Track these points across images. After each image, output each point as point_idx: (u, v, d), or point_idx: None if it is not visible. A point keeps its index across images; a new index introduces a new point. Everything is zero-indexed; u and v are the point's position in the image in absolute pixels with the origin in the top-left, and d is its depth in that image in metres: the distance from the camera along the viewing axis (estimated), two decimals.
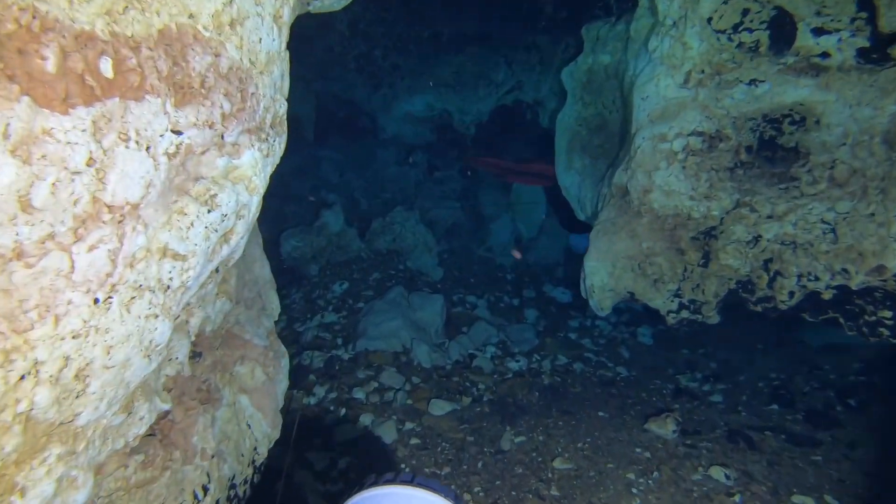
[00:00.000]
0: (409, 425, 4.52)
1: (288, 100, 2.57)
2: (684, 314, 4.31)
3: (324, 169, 10.55)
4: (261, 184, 2.38)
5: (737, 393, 5.46)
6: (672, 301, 4.30)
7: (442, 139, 10.67)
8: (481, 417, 4.66)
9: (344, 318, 6.37)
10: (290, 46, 2.58)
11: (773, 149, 4.10)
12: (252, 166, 2.29)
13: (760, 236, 3.89)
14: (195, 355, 2.75)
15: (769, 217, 3.89)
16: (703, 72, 4.15)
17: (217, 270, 2.43)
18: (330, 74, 10.21)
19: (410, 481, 0.96)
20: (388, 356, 5.46)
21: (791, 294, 3.76)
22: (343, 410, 4.63)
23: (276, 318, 3.64)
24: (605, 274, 4.51)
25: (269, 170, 2.48)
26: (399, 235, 8.08)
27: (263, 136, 2.36)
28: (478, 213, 9.40)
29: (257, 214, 2.42)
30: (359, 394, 4.89)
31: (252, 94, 2.18)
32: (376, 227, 8.13)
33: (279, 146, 2.55)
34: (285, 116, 2.60)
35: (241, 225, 2.31)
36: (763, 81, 4.01)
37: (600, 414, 4.69)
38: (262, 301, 3.49)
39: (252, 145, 2.28)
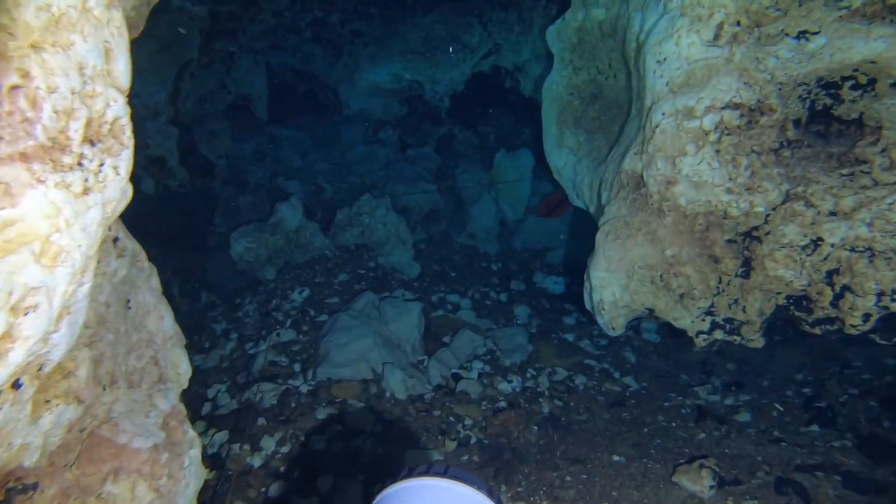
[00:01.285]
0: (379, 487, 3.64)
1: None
2: (718, 335, 3.42)
3: (284, 151, 9.46)
4: (75, 242, 1.41)
5: (766, 408, 4.65)
6: (703, 320, 3.40)
7: (413, 113, 9.61)
8: (469, 470, 3.79)
9: (304, 334, 5.43)
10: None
11: (827, 121, 3.18)
12: (47, 216, 1.31)
13: (822, 240, 2.98)
14: (23, 489, 1.80)
15: (832, 214, 2.98)
16: (738, 24, 3.18)
17: (18, 385, 1.48)
18: (283, 45, 9.05)
19: (444, 473, 0.94)
20: (354, 387, 4.54)
21: (866, 317, 2.88)
22: (297, 472, 3.72)
23: (185, 386, 2.69)
24: (617, 287, 3.60)
25: (97, 214, 1.50)
26: (368, 228, 7.09)
27: (68, 160, 1.37)
28: (457, 196, 8.42)
29: (90, 286, 1.45)
30: (318, 443, 3.99)
31: (14, 87, 1.20)
32: (342, 220, 7.13)
33: (116, 169, 1.57)
34: (127, 122, 1.60)
35: (39, 322, 1.35)
36: (817, 33, 3.06)
37: (615, 459, 3.84)
38: (161, 368, 2.53)
39: (41, 180, 1.30)
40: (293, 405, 4.41)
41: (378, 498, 0.95)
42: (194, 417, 4.44)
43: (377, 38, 8.70)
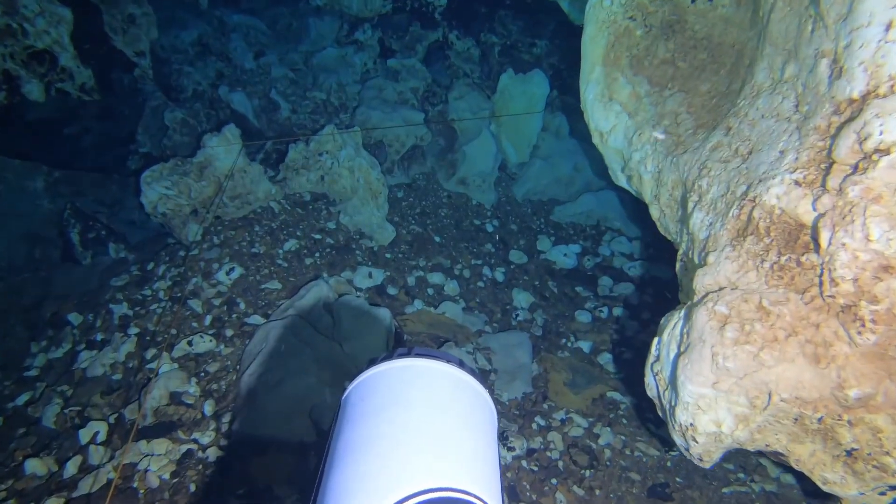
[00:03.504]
0: None
1: None
2: None
3: (234, 45, 7.38)
4: None
5: None
6: (883, 495, 1.94)
7: (400, 9, 7.51)
8: None
9: (226, 344, 3.89)
10: None
11: None
12: None
13: None
14: None
15: None
16: None
17: None
18: None
19: (408, 353, 0.91)
20: (285, 462, 3.09)
21: None
22: None
23: None
24: (728, 416, 2.08)
25: None
26: (330, 172, 5.35)
27: None
28: (448, 128, 6.61)
29: None
30: None
31: None
32: (295, 159, 5.36)
33: None
34: None
35: None
36: None
37: None
38: None
39: None
40: (189, 487, 2.96)
41: (346, 392, 0.91)
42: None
43: None
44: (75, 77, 5.56)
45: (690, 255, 2.65)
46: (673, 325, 2.41)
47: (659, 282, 5.82)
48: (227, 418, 3.36)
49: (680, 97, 3.30)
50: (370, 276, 4.81)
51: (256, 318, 4.05)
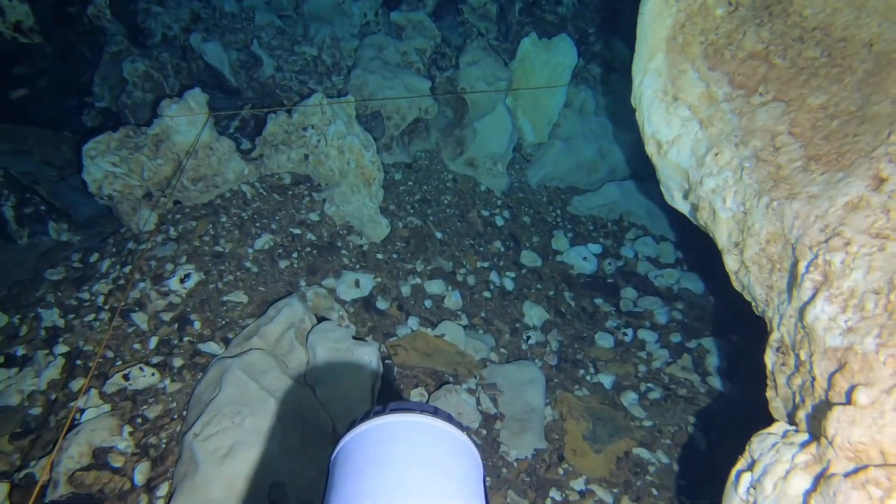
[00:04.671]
0: None
1: None
2: None
3: None
4: None
5: None
6: None
7: None
8: None
9: (174, 378, 3.13)
10: None
11: None
12: None
13: None
14: None
15: None
16: None
17: None
18: None
19: (383, 411, 0.91)
20: None
21: None
22: None
23: None
24: None
25: None
26: (316, 151, 4.49)
27: None
28: (458, 98, 5.68)
29: None
30: None
31: None
32: (274, 133, 4.48)
33: None
34: None
35: None
36: None
37: None
38: None
39: None
40: None
41: (331, 457, 0.91)
42: None
43: None
44: (6, 13, 4.59)
45: (800, 356, 1.88)
46: (784, 470, 1.66)
47: (690, 296, 5.07)
48: (163, 490, 2.64)
49: (778, 109, 2.45)
50: (357, 284, 4.02)
51: (213, 347, 3.28)
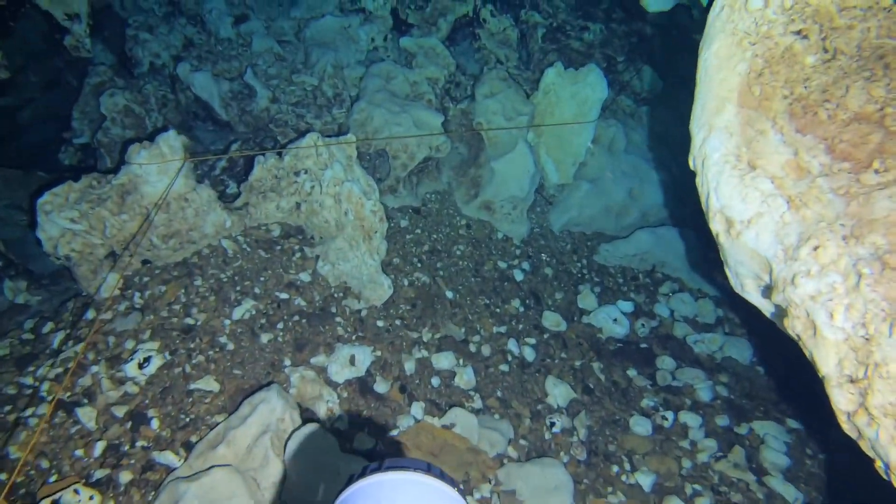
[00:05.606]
0: None
1: None
2: None
3: (210, 5, 5.81)
4: None
5: None
6: None
7: None
8: None
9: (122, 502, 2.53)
10: None
11: None
12: None
13: None
14: None
15: None
16: None
17: None
18: None
19: (379, 469, 0.96)
20: None
21: None
22: None
23: None
24: None
25: None
26: (309, 199, 3.91)
27: None
28: (474, 133, 5.09)
29: None
30: None
31: None
32: (262, 179, 3.91)
33: None
34: None
35: None
36: None
37: None
38: None
39: None
40: None
41: None
42: None
43: None
44: None
45: None
46: None
47: (735, 366, 4.42)
48: None
49: None
50: (352, 361, 3.42)
51: (169, 458, 2.68)
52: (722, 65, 2.46)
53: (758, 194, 2.23)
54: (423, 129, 4.73)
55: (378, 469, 0.95)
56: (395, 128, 4.65)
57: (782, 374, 4.40)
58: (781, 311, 2.13)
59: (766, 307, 2.45)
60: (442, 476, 0.97)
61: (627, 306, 4.80)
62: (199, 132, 5.23)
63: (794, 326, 2.03)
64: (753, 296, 2.45)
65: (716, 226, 2.42)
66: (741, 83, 2.40)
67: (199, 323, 3.27)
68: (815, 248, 1.96)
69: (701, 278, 5.25)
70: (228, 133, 5.03)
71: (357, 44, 5.71)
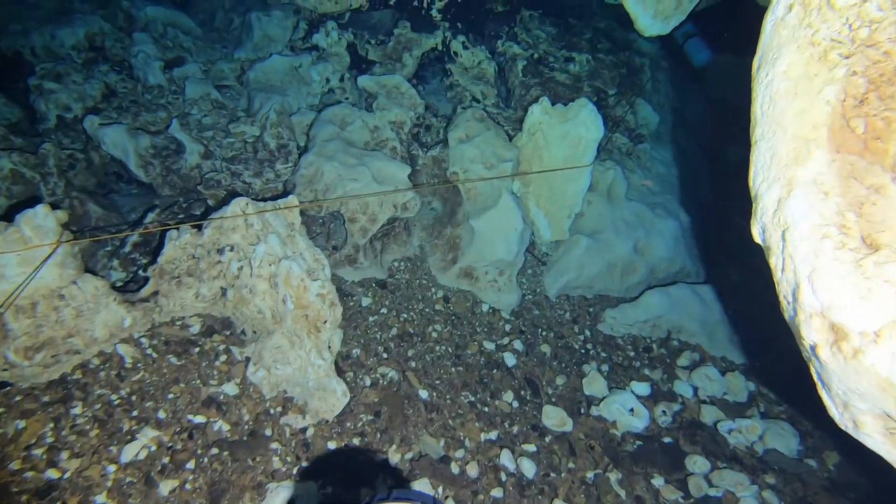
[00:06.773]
0: None
1: None
2: None
3: (137, 49, 5.01)
4: None
5: None
6: None
7: (381, 2, 5.21)
8: None
9: None
10: None
11: None
12: None
13: None
14: None
15: None
16: None
17: None
18: None
19: (387, 499, 1.01)
20: None
21: None
22: None
23: None
24: None
25: None
26: (237, 284, 3.02)
27: None
28: (450, 188, 4.27)
29: None
30: None
31: None
32: (174, 259, 3.02)
33: None
34: None
35: None
36: None
37: None
38: None
39: None
40: None
41: None
42: None
43: None
44: None
45: None
46: None
47: (781, 461, 3.54)
48: None
49: None
50: None
51: None
52: (798, 89, 1.65)
53: (888, 290, 1.39)
54: (387, 184, 3.89)
55: (386, 499, 1.02)
56: (350, 184, 3.81)
57: (846, 483, 3.51)
58: None
59: (891, 455, 1.59)
60: None
61: (643, 388, 3.92)
62: (119, 197, 4.37)
63: None
64: (877, 441, 1.58)
65: (812, 335, 1.57)
66: (832, 116, 1.59)
67: (66, 476, 2.32)
68: None
69: (723, 342, 4.42)
70: (153, 197, 4.17)
71: (309, 86, 4.93)
